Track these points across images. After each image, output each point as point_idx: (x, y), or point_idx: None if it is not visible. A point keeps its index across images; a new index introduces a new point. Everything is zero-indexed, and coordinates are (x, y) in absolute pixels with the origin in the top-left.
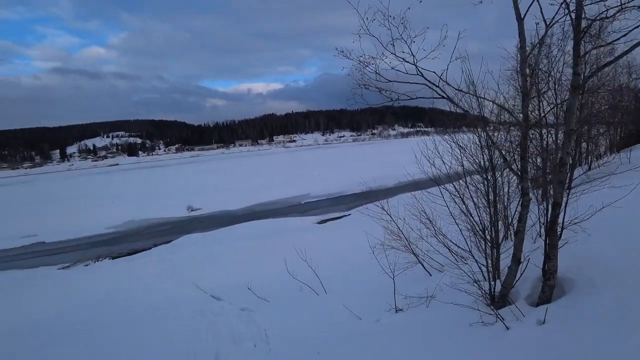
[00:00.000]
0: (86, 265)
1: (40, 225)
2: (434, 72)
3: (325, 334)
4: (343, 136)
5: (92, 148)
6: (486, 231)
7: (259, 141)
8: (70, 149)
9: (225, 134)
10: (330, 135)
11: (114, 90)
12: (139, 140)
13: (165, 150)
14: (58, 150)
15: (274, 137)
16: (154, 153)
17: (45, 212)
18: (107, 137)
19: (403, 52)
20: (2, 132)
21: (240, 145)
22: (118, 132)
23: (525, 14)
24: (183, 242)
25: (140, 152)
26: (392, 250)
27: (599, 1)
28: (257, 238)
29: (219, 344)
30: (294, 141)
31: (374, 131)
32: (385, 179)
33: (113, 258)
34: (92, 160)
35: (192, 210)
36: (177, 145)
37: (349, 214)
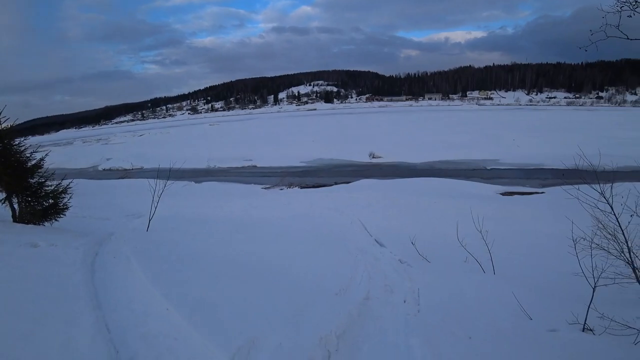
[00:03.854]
0: (281, 189)
1: (255, 153)
2: None
3: (483, 320)
4: (554, 97)
5: (297, 94)
6: None
7: (450, 96)
8: (281, 95)
9: (415, 86)
10: (536, 95)
11: (317, 43)
12: (335, 89)
13: (356, 99)
14: (272, 96)
15: (468, 93)
16: (346, 101)
17: (259, 143)
18: (309, 85)
19: None
20: (238, 80)
21: (430, 98)
22: (318, 81)
23: None
24: (360, 185)
25: (335, 100)
26: (600, 251)
27: None
28: (431, 195)
29: (370, 287)
30: (491, 99)
31: (600, 94)
32: (612, 158)
33: (301, 187)
34: (296, 105)
35: (373, 157)
36: (367, 95)
37: (543, 192)
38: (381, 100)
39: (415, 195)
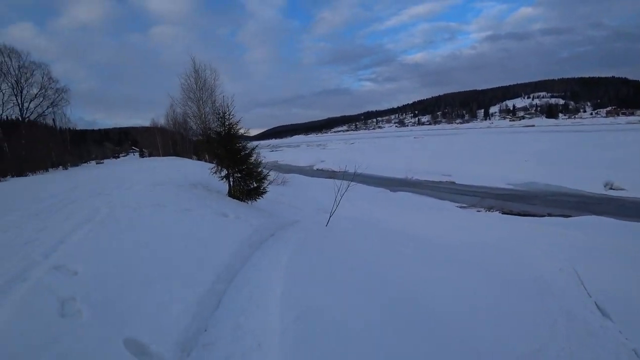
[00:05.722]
0: (478, 211)
1: (455, 169)
2: None
3: None
4: None
5: (511, 108)
6: None
7: None
8: (493, 109)
9: None
10: None
11: (539, 48)
12: (561, 101)
13: (592, 113)
14: (483, 110)
15: None
16: (576, 116)
17: (461, 159)
18: (528, 97)
19: None
20: (446, 94)
21: None
22: (539, 93)
23: None
24: (583, 222)
25: (560, 115)
26: None
27: None
28: None
29: None
30: None
31: None
32: None
33: (503, 213)
34: (509, 120)
35: (610, 189)
36: (609, 108)
37: None
38: (632, 114)
39: None
